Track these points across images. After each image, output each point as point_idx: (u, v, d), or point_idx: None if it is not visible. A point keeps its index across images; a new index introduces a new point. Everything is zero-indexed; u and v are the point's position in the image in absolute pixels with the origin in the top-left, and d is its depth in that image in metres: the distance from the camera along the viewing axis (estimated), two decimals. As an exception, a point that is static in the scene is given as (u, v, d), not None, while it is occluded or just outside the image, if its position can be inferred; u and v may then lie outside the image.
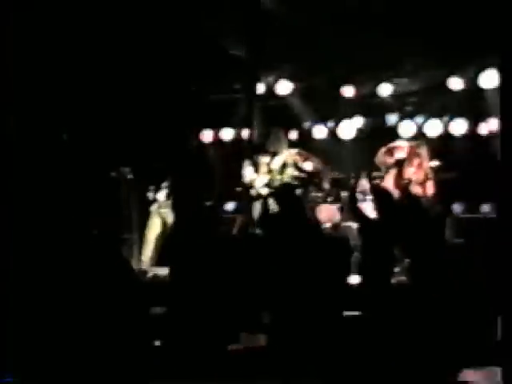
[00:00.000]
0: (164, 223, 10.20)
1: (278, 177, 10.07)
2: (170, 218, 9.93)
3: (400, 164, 9.40)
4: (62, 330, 6.14)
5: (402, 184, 9.30)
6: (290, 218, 7.62)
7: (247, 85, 10.87)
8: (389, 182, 9.39)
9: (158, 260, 9.94)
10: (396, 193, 9.17)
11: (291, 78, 12.30)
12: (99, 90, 10.16)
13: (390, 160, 9.49)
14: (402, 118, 11.73)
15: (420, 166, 9.34)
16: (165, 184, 10.15)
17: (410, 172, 9.34)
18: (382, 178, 9.44)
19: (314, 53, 11.46)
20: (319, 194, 10.66)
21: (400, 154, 9.46)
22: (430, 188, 9.37)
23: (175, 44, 10.43)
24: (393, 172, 9.43)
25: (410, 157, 9.40)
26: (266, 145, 10.29)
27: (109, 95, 10.34)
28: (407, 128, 11.53)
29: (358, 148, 11.99)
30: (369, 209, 9.22)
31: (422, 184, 9.32)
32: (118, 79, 10.37)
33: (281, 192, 8.21)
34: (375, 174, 9.48)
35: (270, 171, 10.09)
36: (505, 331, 5.48)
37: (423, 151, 9.44)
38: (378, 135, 11.40)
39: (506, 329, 5.45)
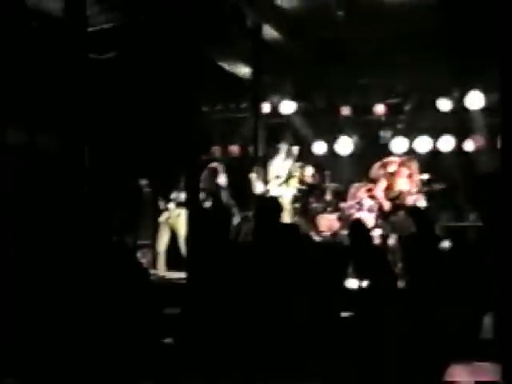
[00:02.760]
0: (173, 232, 10.15)
1: (284, 187, 10.19)
2: (181, 227, 9.82)
3: (391, 177, 9.48)
4: (68, 331, 5.89)
5: (393, 195, 9.41)
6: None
7: (253, 104, 11.00)
8: (379, 193, 9.51)
9: (171, 266, 9.99)
10: (386, 204, 9.27)
11: (294, 98, 12.49)
12: (118, 109, 10.37)
13: (384, 173, 9.61)
14: (394, 135, 11.87)
15: (410, 177, 9.44)
16: (174, 195, 10.15)
17: (401, 183, 9.42)
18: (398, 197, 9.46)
19: (314, 76, 11.79)
20: (320, 205, 10.83)
21: (392, 168, 9.58)
22: (421, 199, 9.49)
23: (188, 71, 10.56)
24: (383, 184, 9.51)
25: (401, 169, 9.47)
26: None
27: (129, 114, 10.52)
28: (399, 144, 11.66)
29: (354, 162, 12.13)
30: (365, 218, 9.19)
31: (414, 196, 9.43)
32: (136, 99, 10.54)
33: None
34: (392, 194, 9.50)
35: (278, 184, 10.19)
36: (501, 328, 5.43)
37: (413, 165, 9.55)
38: (373, 151, 11.54)
39: (502, 326, 5.39)
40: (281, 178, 10.30)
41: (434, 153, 11.66)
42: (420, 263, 6.73)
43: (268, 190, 10.14)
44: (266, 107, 12.00)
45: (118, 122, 10.50)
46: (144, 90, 10.66)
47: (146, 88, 10.65)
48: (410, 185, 9.41)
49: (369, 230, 7.77)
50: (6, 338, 5.87)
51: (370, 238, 7.50)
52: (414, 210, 8.03)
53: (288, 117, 12.56)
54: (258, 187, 10.15)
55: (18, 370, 5.74)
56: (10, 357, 5.78)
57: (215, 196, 9.88)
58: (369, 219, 9.37)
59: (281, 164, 10.41)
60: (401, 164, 9.54)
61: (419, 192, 9.47)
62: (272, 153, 10.63)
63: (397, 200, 9.35)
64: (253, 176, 10.28)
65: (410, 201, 9.36)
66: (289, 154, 10.48)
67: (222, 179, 10.15)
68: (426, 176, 9.69)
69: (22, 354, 5.82)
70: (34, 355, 5.78)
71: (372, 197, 9.68)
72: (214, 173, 10.13)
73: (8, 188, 6.84)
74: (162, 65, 10.38)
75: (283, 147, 10.56)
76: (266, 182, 10.22)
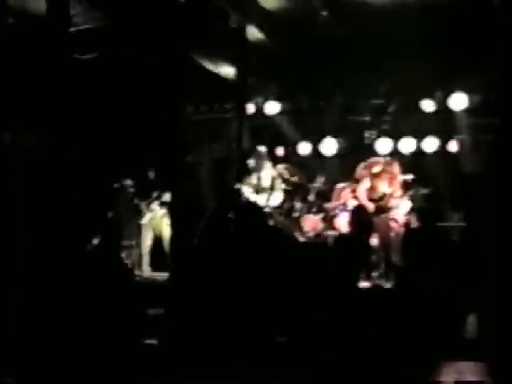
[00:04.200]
0: (157, 234, 10.16)
1: (270, 191, 10.11)
2: (165, 228, 9.86)
3: (374, 178, 9.46)
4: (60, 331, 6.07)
5: (375, 197, 9.38)
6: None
7: (238, 105, 10.92)
8: (361, 193, 9.49)
9: (155, 266, 9.99)
10: (369, 205, 9.25)
11: (279, 99, 12.49)
12: (101, 109, 10.37)
13: (367, 174, 9.58)
14: (379, 136, 11.83)
15: (392, 180, 9.42)
16: (155, 194, 10.15)
17: (384, 186, 9.40)
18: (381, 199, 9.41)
19: (299, 76, 11.71)
20: (304, 206, 10.79)
21: (376, 169, 9.55)
22: (407, 202, 9.59)
23: (172, 71, 10.45)
24: (366, 184, 9.48)
25: (383, 171, 9.46)
26: (250, 164, 10.36)
27: (112, 114, 10.52)
28: (384, 145, 11.62)
29: (339, 163, 12.15)
30: (345, 220, 9.27)
31: (399, 198, 9.45)
32: (120, 100, 10.54)
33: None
34: (374, 196, 9.43)
35: (261, 189, 10.11)
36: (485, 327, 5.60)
37: (395, 167, 9.53)
38: (358, 151, 11.57)
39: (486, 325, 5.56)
40: (267, 188, 10.17)
41: (418, 153, 11.67)
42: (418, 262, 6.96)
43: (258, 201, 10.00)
44: (250, 108, 11.96)
45: (101, 123, 10.46)
46: (127, 91, 10.65)
47: (129, 88, 10.66)
48: (392, 187, 9.39)
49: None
50: (6, 337, 5.96)
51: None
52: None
53: (272, 117, 12.55)
54: (252, 198, 10.02)
55: (18, 370, 5.82)
56: (11, 356, 5.87)
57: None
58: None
59: (268, 172, 10.28)
60: (385, 165, 9.53)
61: (403, 194, 9.50)
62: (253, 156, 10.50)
63: (380, 202, 9.34)
64: (245, 188, 10.07)
65: (393, 203, 9.38)
66: (260, 156, 10.31)
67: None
68: (409, 177, 9.72)
69: (21, 353, 5.90)
70: (33, 355, 5.87)
71: (356, 197, 9.65)
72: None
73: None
74: (145, 65, 10.34)
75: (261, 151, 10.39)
76: (257, 192, 10.10)
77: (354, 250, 7.34)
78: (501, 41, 5.48)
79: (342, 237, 8.51)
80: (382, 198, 9.36)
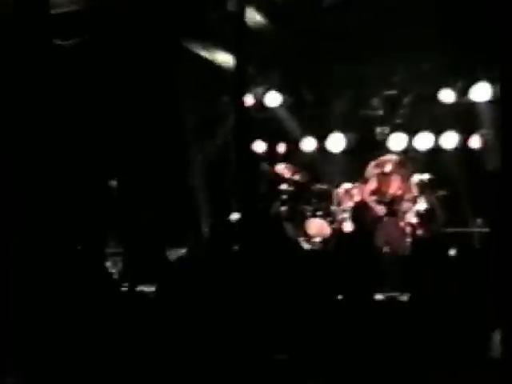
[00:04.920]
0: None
1: None
2: None
3: (383, 178, 9.57)
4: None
5: (384, 200, 9.48)
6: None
7: (235, 97, 10.74)
8: (366, 195, 9.61)
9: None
10: (379, 208, 9.37)
11: (280, 90, 12.43)
12: (84, 101, 10.31)
13: (377, 173, 9.70)
14: (391, 131, 11.82)
15: (403, 181, 9.49)
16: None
17: (394, 187, 9.50)
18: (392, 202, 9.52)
19: (303, 65, 11.73)
20: (308, 208, 10.83)
21: (388, 168, 9.64)
22: (422, 204, 9.52)
23: (162, 60, 10.47)
24: (372, 185, 9.63)
25: (392, 172, 9.59)
26: None
27: (96, 107, 10.47)
28: (397, 141, 11.59)
29: (347, 161, 12.07)
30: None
31: (413, 200, 9.48)
32: (105, 90, 10.49)
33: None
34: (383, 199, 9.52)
35: None
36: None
37: (407, 167, 9.69)
38: (368, 148, 11.56)
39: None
40: None
41: (436, 150, 11.65)
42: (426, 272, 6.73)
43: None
44: (248, 100, 11.80)
45: (85, 116, 10.40)
46: (113, 81, 10.59)
47: (115, 78, 10.57)
48: (403, 189, 9.48)
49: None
50: (6, 337, 6.11)
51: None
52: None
53: (273, 110, 12.51)
54: None
55: (18, 370, 5.95)
56: (11, 356, 6.01)
57: None
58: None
59: None
60: (395, 164, 9.61)
61: (416, 197, 9.49)
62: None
63: (392, 205, 9.45)
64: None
65: (406, 206, 9.43)
66: None
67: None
68: (425, 176, 9.70)
69: (22, 353, 6.01)
70: (34, 355, 5.97)
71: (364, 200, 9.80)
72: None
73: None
74: (132, 53, 10.34)
75: None
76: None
77: (356, 254, 7.21)
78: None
79: (342, 240, 8.52)
80: (393, 200, 9.41)
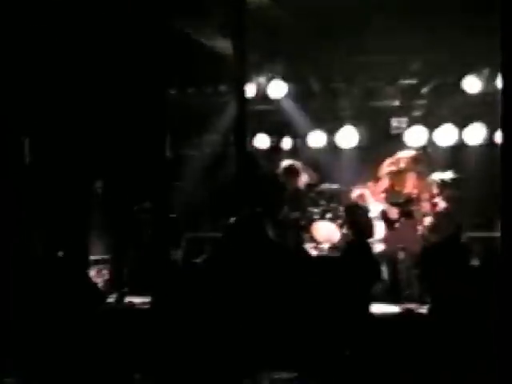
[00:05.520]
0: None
1: None
2: None
3: (396, 176, 9.56)
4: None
5: (398, 200, 9.45)
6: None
7: (235, 86, 10.71)
8: (376, 195, 9.60)
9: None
10: (392, 210, 9.37)
11: (285, 79, 12.37)
12: (67, 92, 10.21)
13: (390, 171, 9.63)
14: (410, 125, 11.79)
15: (419, 179, 9.47)
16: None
17: (409, 187, 9.48)
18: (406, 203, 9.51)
19: (310, 51, 11.61)
20: (316, 210, 10.77)
21: (404, 165, 9.59)
22: (442, 204, 9.45)
23: (148, 38, 10.43)
24: (384, 184, 9.59)
25: (406, 170, 9.54)
26: None
27: (80, 98, 10.35)
28: (416, 135, 11.55)
29: (359, 158, 12.08)
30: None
31: (430, 200, 9.45)
32: (90, 79, 10.40)
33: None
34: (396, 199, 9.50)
35: None
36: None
37: (423, 164, 9.64)
38: (383, 143, 11.53)
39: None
40: None
41: (459, 146, 11.65)
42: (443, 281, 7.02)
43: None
44: (250, 90, 11.68)
45: (66, 109, 10.26)
46: (100, 69, 10.52)
47: (101, 66, 10.52)
48: (419, 188, 9.47)
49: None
50: (7, 337, 6.73)
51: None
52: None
53: (278, 102, 12.45)
54: None
55: (18, 370, 6.57)
56: (11, 356, 6.65)
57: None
58: (377, 229, 9.30)
59: None
60: (413, 160, 9.58)
61: (433, 196, 9.47)
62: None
63: (405, 206, 9.41)
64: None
65: (423, 207, 9.43)
66: None
67: (304, 180, 10.40)
68: (448, 175, 9.59)
69: (22, 353, 6.68)
70: (34, 355, 6.64)
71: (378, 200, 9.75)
72: (293, 173, 10.31)
73: None
74: (122, 37, 10.30)
75: None
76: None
77: (354, 261, 7.51)
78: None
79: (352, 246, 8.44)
80: (409, 200, 9.41)
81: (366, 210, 8.58)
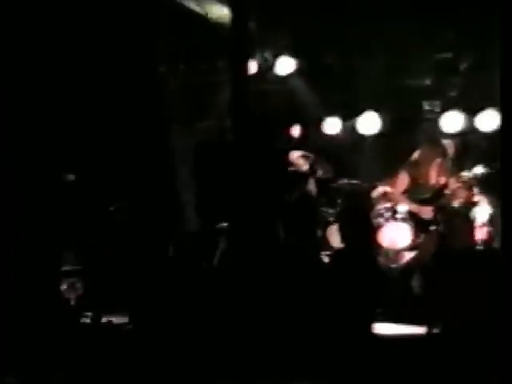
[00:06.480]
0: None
1: None
2: None
3: (414, 167, 9.76)
4: None
5: (422, 196, 9.65)
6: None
7: (234, 63, 10.51)
8: (397, 195, 9.80)
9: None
10: (426, 210, 9.53)
11: (294, 55, 12.26)
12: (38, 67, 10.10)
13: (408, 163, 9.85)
14: (444, 108, 11.68)
15: (441, 170, 9.65)
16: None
17: (432, 179, 9.69)
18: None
19: (324, 21, 11.44)
20: (331, 211, 10.94)
21: (421, 154, 9.79)
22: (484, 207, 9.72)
23: (139, 13, 10.61)
24: (404, 179, 9.75)
25: (426, 159, 9.71)
26: None
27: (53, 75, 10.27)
28: (452, 121, 11.45)
29: (383, 148, 12.01)
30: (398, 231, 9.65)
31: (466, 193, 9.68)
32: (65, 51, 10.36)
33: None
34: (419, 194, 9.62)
35: None
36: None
37: (448, 151, 9.85)
38: (412, 131, 11.49)
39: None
40: None
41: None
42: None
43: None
44: (252, 67, 11.41)
45: (34, 86, 10.12)
46: (78, 39, 10.52)
47: (80, 36, 10.53)
48: (443, 180, 9.66)
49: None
50: (7, 337, 7.39)
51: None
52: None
53: (285, 81, 12.41)
54: None
55: (19, 369, 7.12)
56: (12, 356, 7.24)
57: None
58: (404, 233, 9.64)
59: None
60: (431, 148, 9.80)
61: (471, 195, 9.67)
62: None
63: (436, 200, 9.57)
64: None
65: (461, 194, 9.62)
66: None
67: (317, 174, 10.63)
68: (480, 170, 9.79)
69: (23, 353, 7.27)
70: (35, 354, 7.23)
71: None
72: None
73: None
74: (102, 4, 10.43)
75: None
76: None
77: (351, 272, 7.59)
78: None
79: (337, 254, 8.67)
80: (438, 194, 9.59)
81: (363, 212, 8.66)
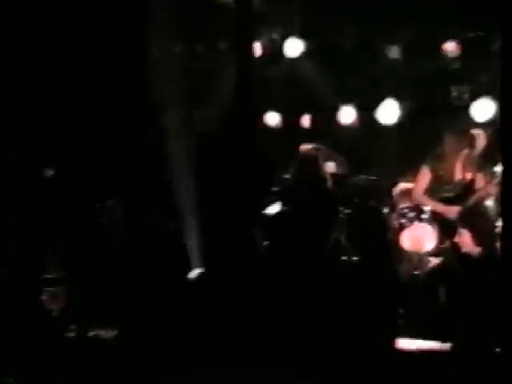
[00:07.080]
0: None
1: None
2: None
3: (437, 162, 9.56)
4: None
5: (446, 193, 9.48)
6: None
7: (238, 43, 10.79)
8: (419, 195, 9.60)
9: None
10: (452, 210, 9.26)
11: (304, 35, 12.24)
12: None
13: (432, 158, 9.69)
14: (473, 95, 11.64)
15: (469, 164, 9.47)
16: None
17: (458, 175, 9.50)
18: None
19: None
20: (347, 211, 10.60)
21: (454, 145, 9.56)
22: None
23: None
24: (426, 176, 9.59)
25: (455, 152, 9.52)
26: None
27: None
28: (484, 109, 11.40)
29: (405, 139, 11.92)
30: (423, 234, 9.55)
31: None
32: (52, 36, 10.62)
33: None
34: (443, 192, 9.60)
35: None
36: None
37: (477, 143, 9.76)
38: (439, 119, 11.20)
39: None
40: None
41: None
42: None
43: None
44: (257, 48, 11.89)
45: (20, 78, 10.36)
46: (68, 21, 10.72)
47: (70, 18, 10.72)
48: (471, 177, 9.49)
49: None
50: (7, 337, 7.68)
51: None
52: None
53: (293, 64, 12.43)
54: None
55: (19, 369, 7.33)
56: (12, 356, 7.50)
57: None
58: (430, 235, 9.52)
59: None
60: (454, 144, 9.62)
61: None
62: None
63: (462, 199, 9.34)
64: None
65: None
66: None
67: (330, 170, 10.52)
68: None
69: (23, 353, 7.58)
70: (35, 354, 7.56)
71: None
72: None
73: None
74: None
75: None
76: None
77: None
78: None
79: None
80: (464, 192, 9.41)
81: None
